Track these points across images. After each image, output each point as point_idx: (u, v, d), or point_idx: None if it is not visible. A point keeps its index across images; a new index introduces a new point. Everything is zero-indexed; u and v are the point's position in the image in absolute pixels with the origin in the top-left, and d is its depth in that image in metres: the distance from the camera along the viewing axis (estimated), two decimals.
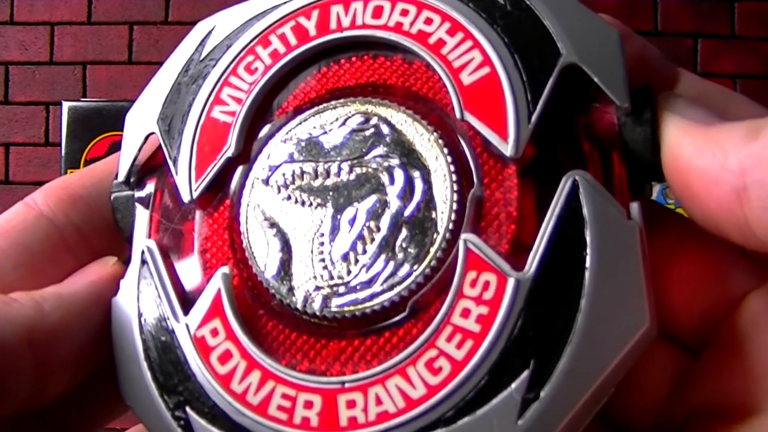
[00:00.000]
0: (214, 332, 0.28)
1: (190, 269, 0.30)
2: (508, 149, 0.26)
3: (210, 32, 0.32)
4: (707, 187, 0.25)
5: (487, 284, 0.25)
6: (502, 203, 0.27)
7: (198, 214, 0.30)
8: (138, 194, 0.32)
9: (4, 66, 1.75)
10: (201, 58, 0.32)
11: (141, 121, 0.32)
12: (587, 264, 0.25)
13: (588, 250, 0.25)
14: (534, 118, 0.26)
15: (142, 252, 0.30)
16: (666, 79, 0.31)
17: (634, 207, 0.26)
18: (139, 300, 0.29)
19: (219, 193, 0.30)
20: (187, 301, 0.29)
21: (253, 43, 0.31)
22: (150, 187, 0.32)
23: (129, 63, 1.71)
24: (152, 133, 0.31)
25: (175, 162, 0.30)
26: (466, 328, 0.25)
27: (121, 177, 0.32)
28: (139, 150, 0.32)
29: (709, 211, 0.25)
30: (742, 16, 1.70)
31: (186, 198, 0.30)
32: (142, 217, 0.31)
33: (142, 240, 0.31)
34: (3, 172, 1.72)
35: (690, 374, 0.29)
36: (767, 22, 1.69)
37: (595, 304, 0.25)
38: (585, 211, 0.26)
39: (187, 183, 0.30)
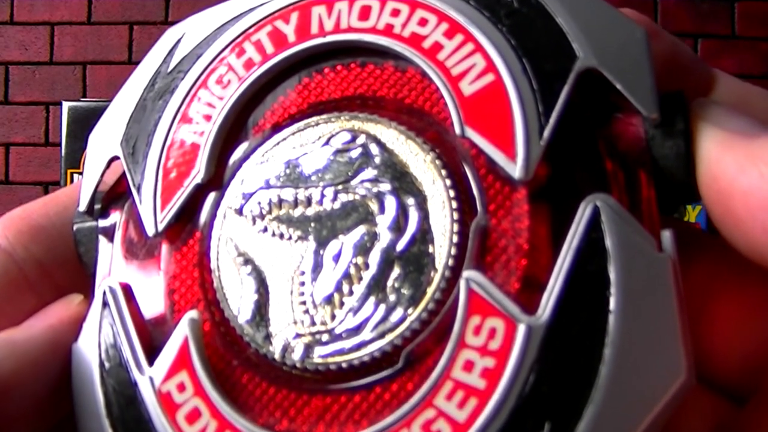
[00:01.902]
0: (181, 387, 0.25)
1: (156, 312, 0.27)
2: (516, 170, 0.24)
3: (179, 40, 0.30)
4: (753, 212, 0.23)
5: (493, 331, 0.23)
6: (510, 234, 0.24)
7: (165, 248, 0.28)
8: (102, 225, 0.29)
9: (4, 66, 1.77)
10: (169, 70, 0.29)
11: (104, 143, 0.30)
12: (612, 306, 0.22)
13: (612, 289, 0.22)
14: (546, 132, 0.24)
15: (104, 293, 0.27)
16: (700, 83, 0.28)
17: (666, 237, 0.23)
18: (101, 347, 0.27)
19: (188, 225, 0.27)
20: (153, 349, 0.26)
21: (225, 53, 0.28)
22: (114, 217, 0.29)
23: (129, 63, 1.74)
24: (116, 157, 0.29)
25: (139, 189, 0.28)
26: (469, 384, 0.23)
27: (83, 206, 0.29)
28: (102, 176, 0.29)
29: (755, 240, 0.23)
30: (742, 16, 1.72)
31: (150, 231, 0.27)
32: (105, 251, 0.29)
33: (104, 278, 0.28)
34: (3, 172, 1.74)
35: (734, 425, 0.26)
36: (767, 22, 1.71)
37: (622, 353, 0.22)
38: (608, 242, 0.23)
39: (152, 214, 0.27)
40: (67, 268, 0.31)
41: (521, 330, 0.22)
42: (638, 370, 0.22)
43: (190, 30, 0.30)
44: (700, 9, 1.72)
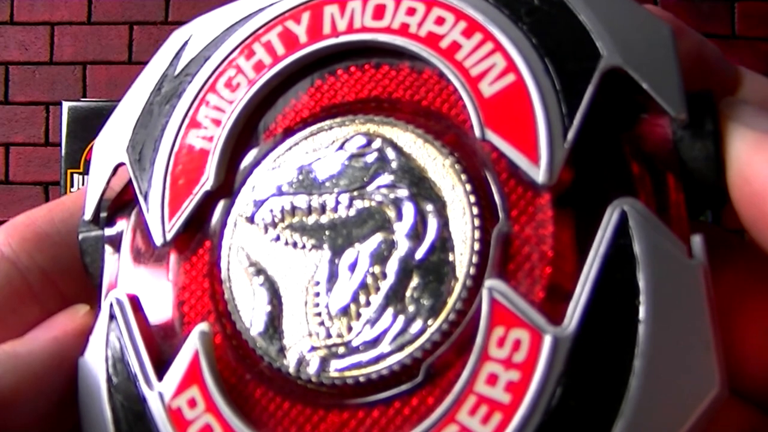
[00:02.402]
0: (192, 402, 0.24)
1: (165, 325, 0.27)
2: (539, 174, 0.23)
3: (186, 43, 0.29)
4: None
5: (517, 343, 0.22)
6: (534, 241, 0.23)
7: (173, 258, 0.27)
8: (108, 234, 0.29)
9: (4, 66, 1.77)
10: (176, 73, 0.28)
11: (109, 150, 0.29)
12: (641, 315, 0.22)
13: (642, 298, 0.22)
14: (570, 134, 0.23)
15: (111, 305, 0.26)
16: (726, 81, 0.27)
17: (697, 242, 0.23)
18: (108, 361, 0.26)
19: (197, 234, 0.27)
20: (162, 363, 0.26)
21: (234, 55, 0.28)
22: (121, 226, 0.29)
23: (129, 63, 1.73)
24: (122, 164, 0.28)
25: (146, 197, 0.27)
26: (493, 399, 0.22)
27: (89, 215, 0.29)
28: (107, 183, 0.29)
29: None
30: (742, 16, 1.72)
31: (158, 240, 0.26)
32: (111, 261, 0.28)
33: (111, 290, 0.27)
34: (3, 172, 1.74)
35: None
36: (767, 22, 1.71)
37: (652, 365, 0.21)
38: (636, 248, 0.22)
39: (160, 222, 0.26)
40: (72, 277, 0.30)
41: (547, 341, 0.22)
42: (670, 383, 0.21)
43: (197, 32, 0.29)
44: (700, 9, 1.72)
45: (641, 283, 0.22)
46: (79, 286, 0.30)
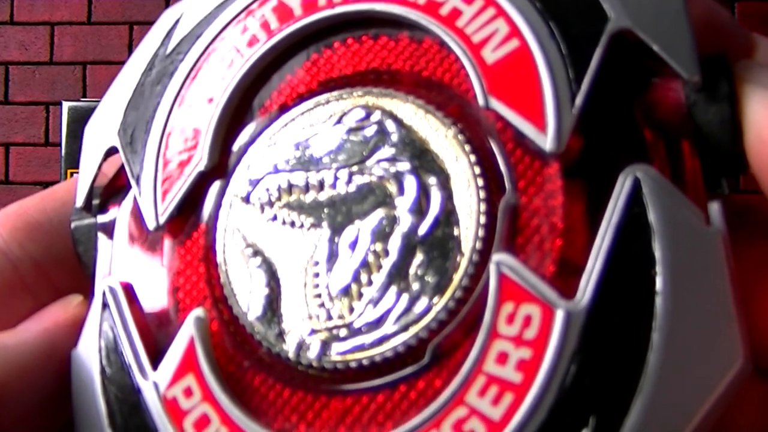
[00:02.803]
0: (188, 392, 0.23)
1: (160, 312, 0.26)
2: (547, 142, 0.22)
3: (177, 21, 0.28)
4: None
5: (528, 319, 0.21)
6: (543, 212, 0.22)
7: (167, 243, 0.26)
8: (101, 221, 0.28)
9: (4, 66, 1.78)
10: (167, 52, 0.28)
11: (100, 134, 0.28)
12: (658, 286, 0.21)
13: (658, 268, 0.21)
14: (579, 100, 0.22)
15: (104, 293, 0.26)
16: (740, 47, 0.26)
17: (715, 209, 0.22)
18: (101, 352, 0.25)
19: (191, 217, 0.26)
20: (158, 352, 0.25)
21: (226, 31, 0.27)
22: (114, 213, 0.28)
23: None
24: (114, 148, 0.27)
25: (138, 181, 0.26)
26: (503, 378, 0.21)
27: (80, 202, 0.28)
28: (99, 168, 0.28)
29: None
30: (742, 16, 1.71)
31: (151, 224, 0.25)
32: (104, 249, 0.27)
33: (104, 278, 0.27)
34: (3, 172, 1.74)
35: None
36: (767, 22, 1.70)
37: (672, 338, 0.20)
38: (651, 217, 0.21)
39: (152, 205, 0.26)
40: (65, 267, 0.29)
41: (559, 316, 0.21)
42: (690, 357, 0.20)
43: (189, 9, 0.28)
44: None
45: (657, 253, 0.21)
46: (72, 277, 0.29)
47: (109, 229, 0.28)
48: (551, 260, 0.22)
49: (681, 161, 0.23)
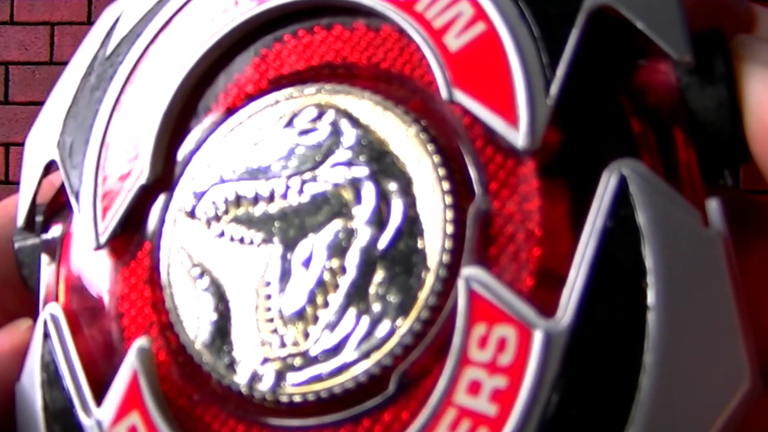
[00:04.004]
0: (132, 431, 0.21)
1: (105, 341, 0.23)
2: (520, 138, 0.20)
3: (118, 20, 0.26)
4: None
5: (502, 342, 0.19)
6: (518, 218, 0.20)
7: (110, 264, 0.24)
8: (45, 240, 0.26)
9: (4, 66, 1.78)
10: (107, 54, 0.25)
11: (39, 146, 0.26)
12: (650, 300, 0.18)
13: (649, 279, 0.18)
14: (554, 88, 0.20)
15: (45, 322, 0.23)
16: (739, 22, 0.23)
17: (714, 208, 0.19)
18: (44, 387, 0.23)
19: (135, 235, 0.24)
20: (103, 385, 0.22)
21: (167, 28, 0.24)
22: (57, 231, 0.26)
23: None
24: (54, 161, 0.25)
25: (77, 197, 0.24)
26: (476, 411, 0.18)
27: (21, 221, 0.26)
28: (38, 184, 0.26)
29: None
30: None
31: (91, 244, 0.23)
32: (47, 272, 0.25)
33: (47, 304, 0.24)
34: (3, 172, 1.75)
35: None
36: None
37: (667, 359, 0.18)
38: (640, 219, 0.19)
39: (92, 224, 0.23)
40: (14, 290, 0.27)
41: (537, 338, 0.18)
42: (690, 379, 0.18)
43: (129, 6, 0.26)
44: None
45: (648, 261, 0.18)
46: (22, 300, 0.27)
47: (53, 250, 0.25)
48: (528, 272, 0.19)
49: (674, 153, 0.20)
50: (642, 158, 0.20)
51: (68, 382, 0.23)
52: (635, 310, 0.18)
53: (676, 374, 0.18)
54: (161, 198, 0.23)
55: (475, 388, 0.19)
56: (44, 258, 0.26)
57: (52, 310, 0.24)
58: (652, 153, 0.20)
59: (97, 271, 0.24)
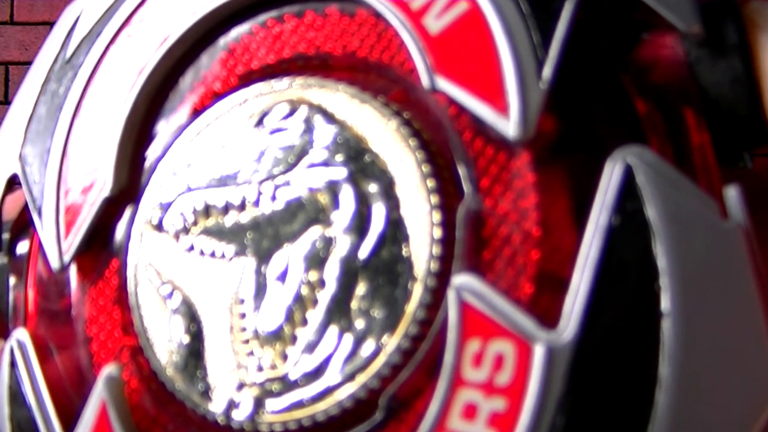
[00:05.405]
0: None
1: (75, 368, 0.22)
2: (511, 127, 0.18)
3: (77, 19, 0.24)
4: None
5: (500, 359, 0.17)
6: (513, 217, 0.18)
7: (77, 285, 0.22)
8: (13, 259, 0.24)
9: (4, 66, 1.79)
10: (67, 57, 0.24)
11: (1, 160, 0.24)
12: (664, 305, 0.17)
13: (663, 281, 0.17)
14: (547, 70, 0.18)
15: (11, 350, 0.22)
16: None
17: (732, 196, 0.18)
18: (13, 420, 0.22)
19: (102, 252, 0.22)
20: (74, 415, 0.21)
21: (128, 25, 0.23)
22: (23, 249, 0.24)
23: None
24: (16, 175, 0.23)
25: (39, 213, 0.22)
26: None
27: None
28: (2, 200, 0.24)
29: None
30: None
31: (55, 264, 0.22)
32: (13, 293, 0.24)
33: (15, 329, 0.23)
34: None
35: None
36: None
37: (685, 372, 0.16)
38: (650, 213, 0.17)
39: (55, 242, 0.22)
40: None
41: (539, 353, 0.16)
42: (711, 394, 0.16)
43: (88, 5, 0.24)
44: None
45: (660, 261, 0.17)
46: None
47: (19, 270, 0.24)
48: (527, 278, 0.18)
49: (685, 136, 0.19)
50: (649, 144, 0.18)
51: (36, 414, 0.21)
52: (648, 317, 0.17)
53: (696, 388, 0.16)
54: (128, 210, 0.22)
55: (470, 411, 0.17)
56: (12, 279, 0.24)
57: (19, 336, 0.22)
58: (661, 138, 0.19)
59: (63, 292, 0.22)
